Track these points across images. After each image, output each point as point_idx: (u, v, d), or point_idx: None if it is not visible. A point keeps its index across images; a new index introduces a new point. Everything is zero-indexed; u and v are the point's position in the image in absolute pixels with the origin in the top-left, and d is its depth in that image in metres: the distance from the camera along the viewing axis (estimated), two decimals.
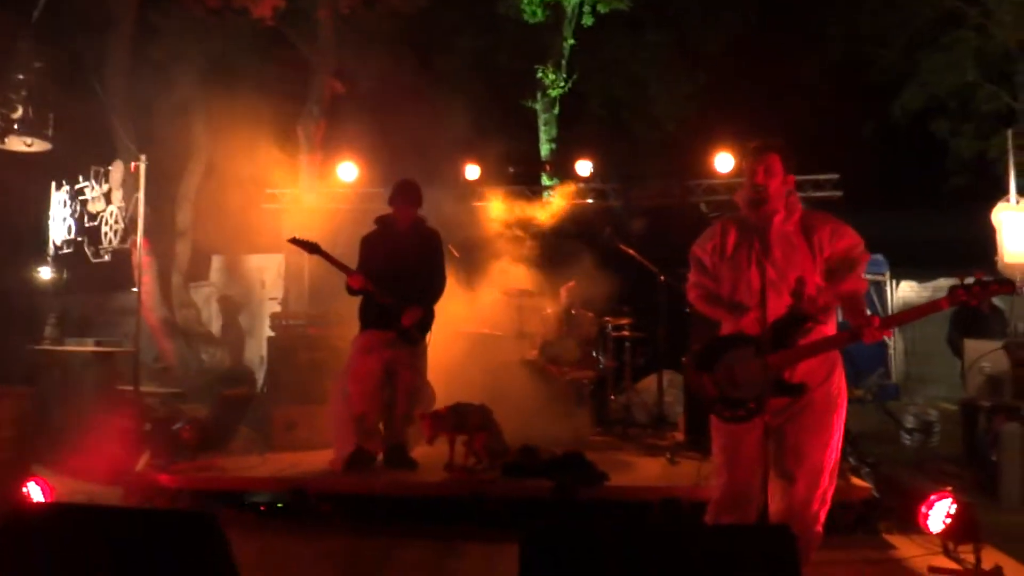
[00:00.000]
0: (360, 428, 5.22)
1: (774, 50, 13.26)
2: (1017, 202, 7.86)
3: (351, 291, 5.21)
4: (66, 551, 2.47)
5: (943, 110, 13.93)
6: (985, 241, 10.83)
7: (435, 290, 5.44)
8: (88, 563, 2.44)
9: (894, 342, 12.97)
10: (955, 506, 4.15)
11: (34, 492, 4.41)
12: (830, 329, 3.27)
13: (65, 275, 12.65)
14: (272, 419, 6.18)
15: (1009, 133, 8.16)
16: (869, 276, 12.83)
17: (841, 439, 3.32)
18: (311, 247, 5.26)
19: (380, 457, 5.36)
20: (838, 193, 9.00)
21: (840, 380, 3.31)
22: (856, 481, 4.90)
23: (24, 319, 9.48)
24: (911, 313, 3.68)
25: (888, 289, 13.31)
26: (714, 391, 3.22)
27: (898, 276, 13.40)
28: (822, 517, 3.30)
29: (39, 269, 12.96)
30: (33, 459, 7.09)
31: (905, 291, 13.45)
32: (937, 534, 4.25)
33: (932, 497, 4.24)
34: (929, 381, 12.78)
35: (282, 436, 6.10)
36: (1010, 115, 13.17)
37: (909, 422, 7.85)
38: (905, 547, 4.47)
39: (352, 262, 5.36)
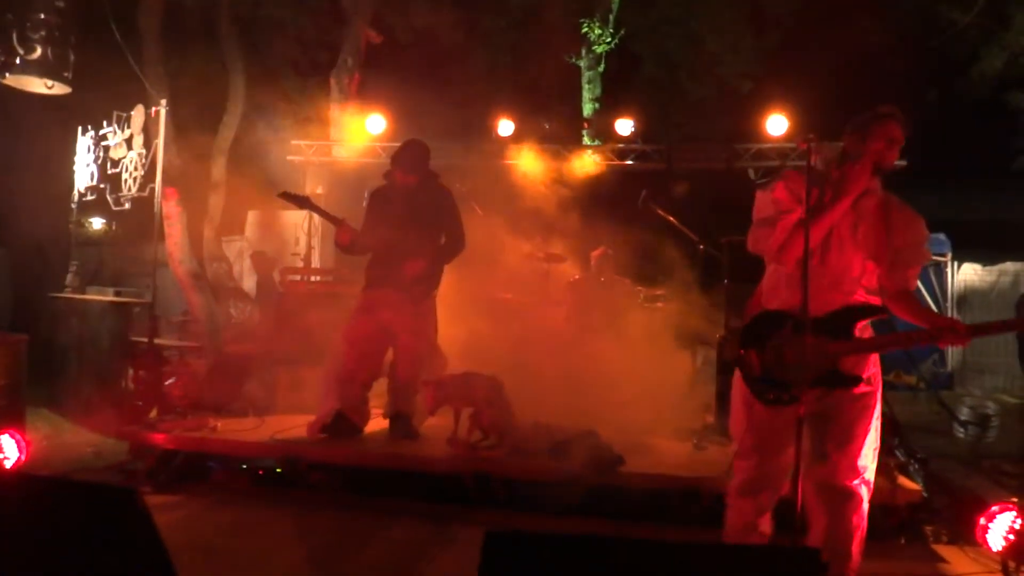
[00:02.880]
0: (344, 392, 4.91)
1: (839, 11, 12.43)
2: None
3: (339, 246, 4.89)
4: None
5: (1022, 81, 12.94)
6: None
7: (445, 249, 5.06)
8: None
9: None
10: (1020, 521, 3.61)
11: (7, 446, 4.17)
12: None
13: (113, 226, 12.63)
14: (276, 379, 5.90)
15: None
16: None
17: (879, 438, 3.03)
18: (300, 201, 5.08)
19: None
20: (902, 163, 8.30)
21: (879, 374, 3.05)
22: (904, 481, 4.40)
23: (58, 269, 9.38)
24: (1003, 325, 3.32)
25: (949, 271, 12.52)
26: (759, 369, 2.95)
27: (960, 258, 12.59)
28: (864, 513, 2.98)
29: (89, 220, 12.95)
30: (46, 406, 7.06)
31: (968, 274, 12.65)
32: (997, 552, 3.72)
33: (993, 508, 3.71)
34: (987, 371, 12.13)
35: (286, 398, 5.83)
36: None
37: (964, 414, 7.35)
38: (957, 561, 3.98)
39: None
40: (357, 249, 5.00)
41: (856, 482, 2.93)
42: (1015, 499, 3.84)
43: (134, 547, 2.27)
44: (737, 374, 3.08)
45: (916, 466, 4.73)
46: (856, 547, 2.97)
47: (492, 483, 4.44)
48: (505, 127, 8.66)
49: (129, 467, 5.05)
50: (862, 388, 2.94)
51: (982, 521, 3.73)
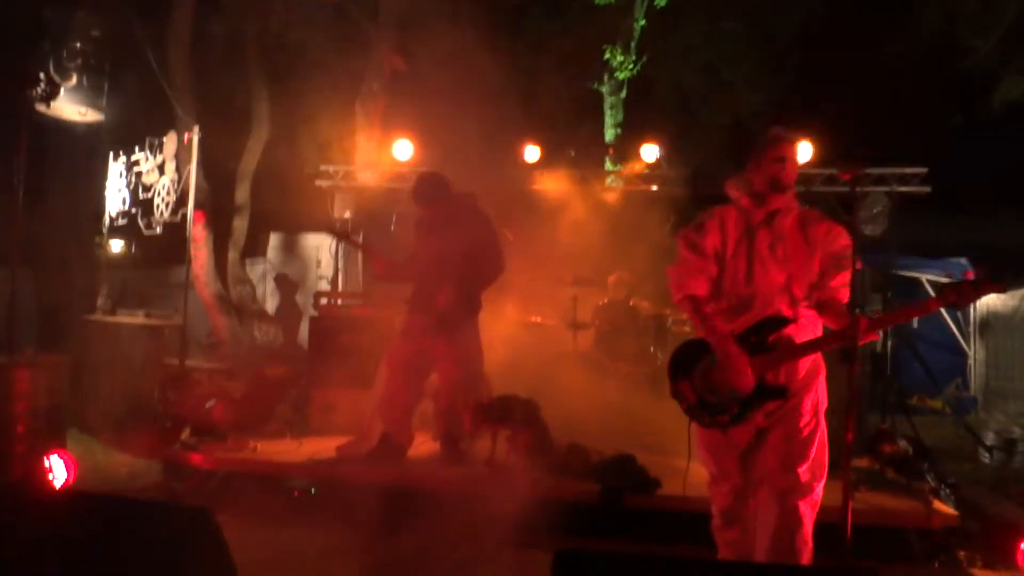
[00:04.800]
0: (387, 414, 4.97)
1: (857, 37, 12.51)
2: None
3: (377, 276, 4.99)
4: (62, 538, 2.39)
5: None
6: None
7: (481, 274, 5.09)
8: (79, 552, 2.36)
9: (974, 351, 12.15)
10: None
11: (56, 466, 4.23)
12: (814, 333, 3.09)
13: (133, 248, 12.78)
14: (311, 401, 5.95)
15: None
16: (948, 280, 12.18)
17: (826, 454, 3.06)
18: (341, 234, 5.45)
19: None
20: (926, 189, 8.34)
21: (823, 391, 3.11)
22: (939, 505, 4.39)
23: (83, 291, 9.49)
24: (900, 314, 3.56)
25: None
26: (692, 397, 3.05)
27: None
28: (810, 541, 3.00)
29: (108, 242, 13.09)
30: (77, 428, 7.13)
31: (990, 298, 12.57)
32: None
33: None
34: (1011, 396, 11.99)
35: (320, 419, 5.89)
36: None
37: (989, 439, 7.31)
38: None
39: (402, 244, 5.21)
40: (395, 278, 5.08)
41: (802, 499, 2.95)
42: None
43: (208, 566, 2.31)
44: None
45: (947, 491, 4.73)
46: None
47: (529, 505, 4.45)
48: (531, 153, 8.73)
49: (167, 488, 5.10)
50: (807, 412, 2.99)
51: (1023, 546, 3.74)
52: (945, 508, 4.37)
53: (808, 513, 2.96)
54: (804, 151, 8.26)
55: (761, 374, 2.94)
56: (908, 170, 8.37)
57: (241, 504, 4.73)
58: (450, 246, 5.01)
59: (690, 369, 3.07)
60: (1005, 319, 12.20)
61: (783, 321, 2.98)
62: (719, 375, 2.97)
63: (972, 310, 12.39)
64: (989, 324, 12.33)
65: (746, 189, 3.12)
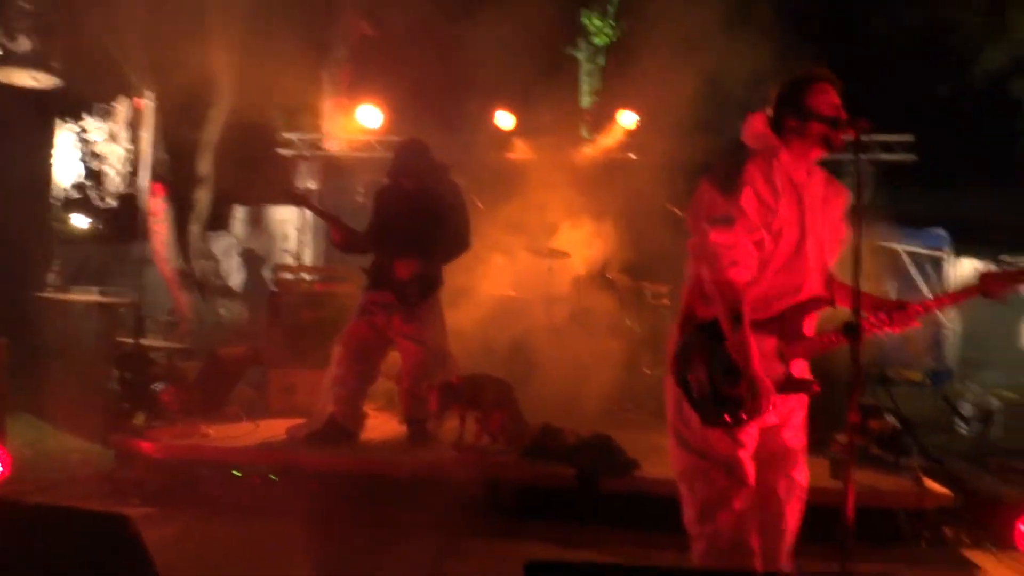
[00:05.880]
0: (337, 395, 4.70)
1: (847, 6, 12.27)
2: None
3: (334, 244, 4.67)
4: None
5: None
6: None
7: (443, 248, 4.79)
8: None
9: (952, 323, 12.12)
10: None
11: None
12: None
13: (96, 223, 12.30)
14: (269, 382, 5.64)
15: None
16: (927, 251, 12.11)
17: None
18: (298, 199, 5.12)
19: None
20: (911, 157, 8.13)
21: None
22: (931, 484, 4.20)
23: (36, 267, 9.06)
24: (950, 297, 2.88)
25: (946, 266, 12.39)
26: (707, 388, 2.54)
27: (960, 252, 12.46)
28: None
29: (67, 216, 12.61)
30: (28, 412, 6.77)
31: (967, 269, 12.53)
32: None
33: None
34: (985, 366, 11.97)
35: (279, 401, 5.60)
36: None
37: (966, 410, 7.21)
38: (994, 569, 3.77)
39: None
40: (354, 248, 4.77)
41: (804, 494, 2.70)
42: None
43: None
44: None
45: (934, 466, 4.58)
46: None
47: (502, 490, 4.21)
48: (504, 119, 8.42)
49: (116, 478, 4.77)
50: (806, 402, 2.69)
51: (1022, 526, 3.56)
52: (938, 488, 4.17)
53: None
54: None
55: (789, 363, 2.55)
56: (893, 137, 8.16)
57: (193, 494, 4.44)
58: (418, 218, 4.73)
59: (707, 357, 2.58)
60: None
61: (820, 302, 2.58)
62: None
63: (947, 280, 12.34)
64: None
65: (787, 140, 2.57)
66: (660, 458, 4.63)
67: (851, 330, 2.38)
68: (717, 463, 2.57)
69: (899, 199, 9.66)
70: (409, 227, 4.69)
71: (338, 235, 4.64)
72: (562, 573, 1.77)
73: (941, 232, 12.26)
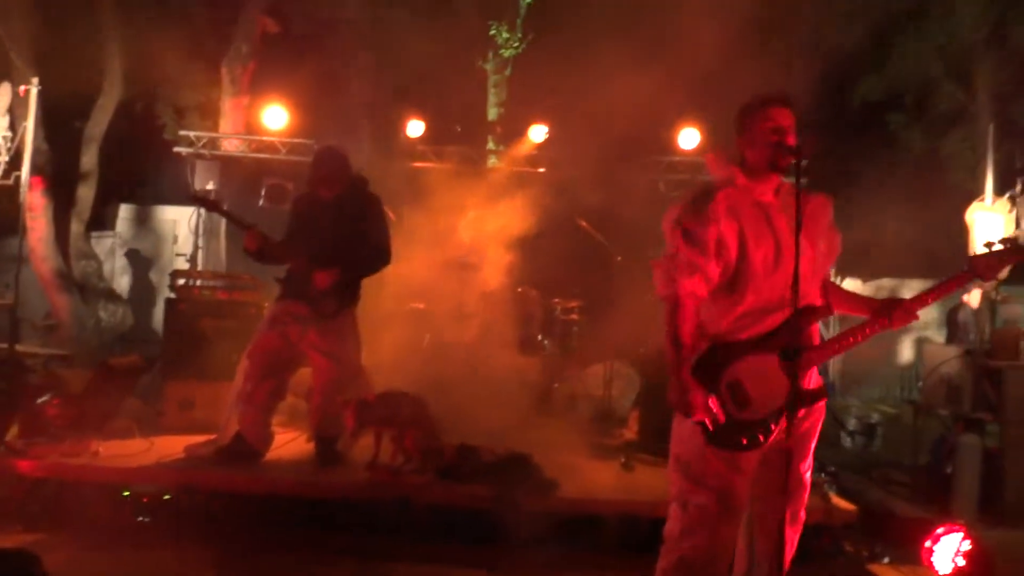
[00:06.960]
0: (244, 412, 4.47)
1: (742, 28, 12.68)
2: (992, 202, 7.48)
3: (248, 253, 4.43)
4: None
5: (900, 104, 13.65)
6: (933, 240, 10.56)
7: (362, 260, 4.62)
8: None
9: (829, 335, 12.73)
10: (969, 543, 3.58)
11: None
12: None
13: None
14: (165, 395, 5.31)
15: (990, 129, 7.75)
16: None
17: None
18: (210, 204, 4.76)
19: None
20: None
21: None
22: (838, 501, 4.33)
23: None
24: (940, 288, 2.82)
25: None
26: (721, 415, 2.51)
27: (842, 272, 13.12)
28: None
29: None
30: None
31: (848, 288, 13.21)
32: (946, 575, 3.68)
33: (939, 531, 3.67)
34: (864, 381, 12.63)
35: (176, 416, 5.26)
36: (962, 114, 12.91)
37: (851, 424, 7.54)
38: None
39: (276, 219, 4.75)
40: (269, 257, 4.52)
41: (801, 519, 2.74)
42: (962, 520, 3.83)
43: None
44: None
45: (828, 480, 4.71)
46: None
47: (416, 511, 4.08)
48: (414, 128, 8.26)
49: None
50: (821, 413, 2.71)
51: (927, 544, 3.69)
52: (846, 504, 4.31)
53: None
54: (691, 138, 8.23)
55: (801, 377, 2.55)
56: None
57: (80, 519, 4.09)
58: (340, 229, 4.55)
59: (716, 381, 2.54)
60: None
61: (816, 311, 2.59)
62: (757, 383, 2.53)
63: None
64: (847, 315, 12.92)
65: (740, 167, 2.65)
66: (574, 477, 4.65)
67: (789, 355, 2.42)
68: (713, 491, 2.56)
69: None
70: (329, 237, 4.51)
71: (253, 243, 4.38)
72: None
73: None
